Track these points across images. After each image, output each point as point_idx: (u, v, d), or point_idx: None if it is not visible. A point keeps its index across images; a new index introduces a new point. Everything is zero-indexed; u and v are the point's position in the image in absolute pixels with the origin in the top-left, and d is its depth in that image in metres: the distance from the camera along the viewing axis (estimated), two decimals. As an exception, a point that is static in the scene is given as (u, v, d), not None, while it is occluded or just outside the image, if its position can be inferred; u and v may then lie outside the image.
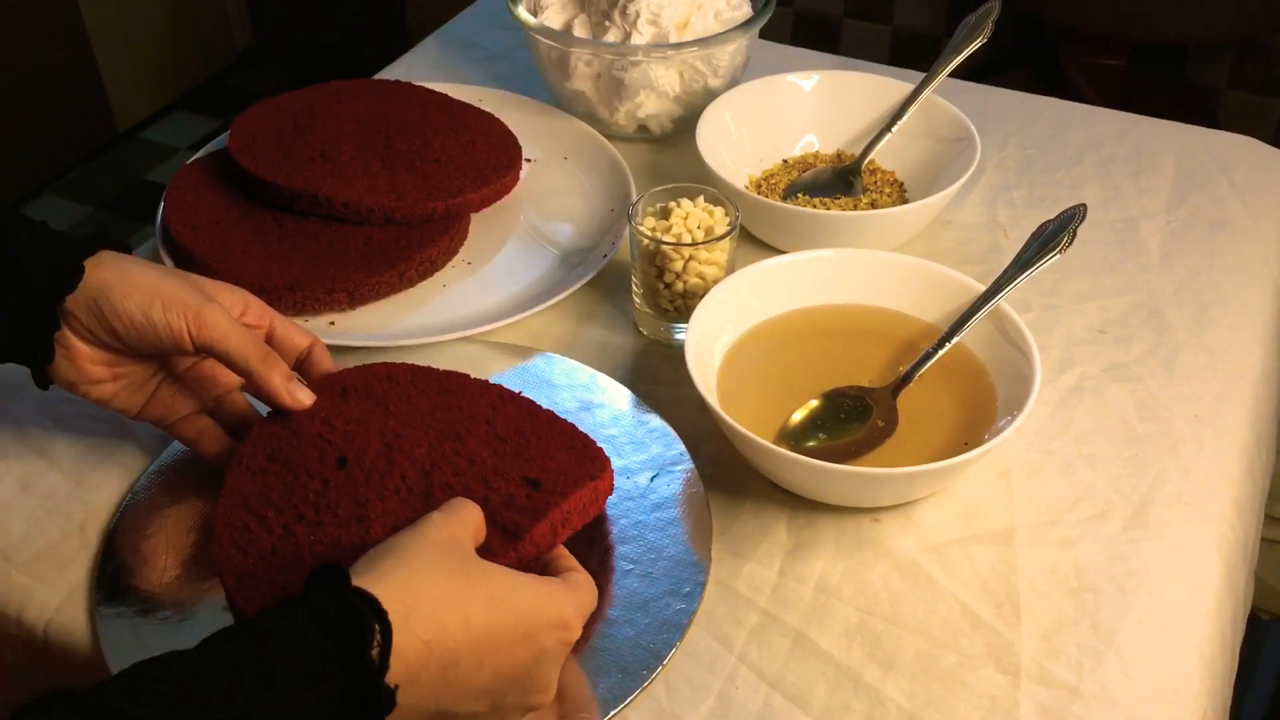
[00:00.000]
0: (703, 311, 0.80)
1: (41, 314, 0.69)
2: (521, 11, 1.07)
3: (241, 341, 0.71)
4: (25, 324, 0.69)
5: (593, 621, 0.69)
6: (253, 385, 0.72)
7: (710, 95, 1.05)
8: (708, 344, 0.80)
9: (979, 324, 0.80)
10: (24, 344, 0.70)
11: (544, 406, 0.79)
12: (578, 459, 0.73)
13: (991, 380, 0.79)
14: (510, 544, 0.67)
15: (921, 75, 1.04)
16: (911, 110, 1.01)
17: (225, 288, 0.74)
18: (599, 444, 0.78)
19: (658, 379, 0.86)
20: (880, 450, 0.76)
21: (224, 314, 0.71)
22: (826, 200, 0.99)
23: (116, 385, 0.73)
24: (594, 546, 0.73)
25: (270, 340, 0.75)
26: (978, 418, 0.77)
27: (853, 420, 0.78)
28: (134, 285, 0.69)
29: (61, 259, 0.69)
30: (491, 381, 0.80)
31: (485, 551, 0.66)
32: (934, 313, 0.84)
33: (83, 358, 0.71)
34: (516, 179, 1.03)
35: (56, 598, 0.73)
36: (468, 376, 0.81)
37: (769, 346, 0.84)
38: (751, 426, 0.72)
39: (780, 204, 0.96)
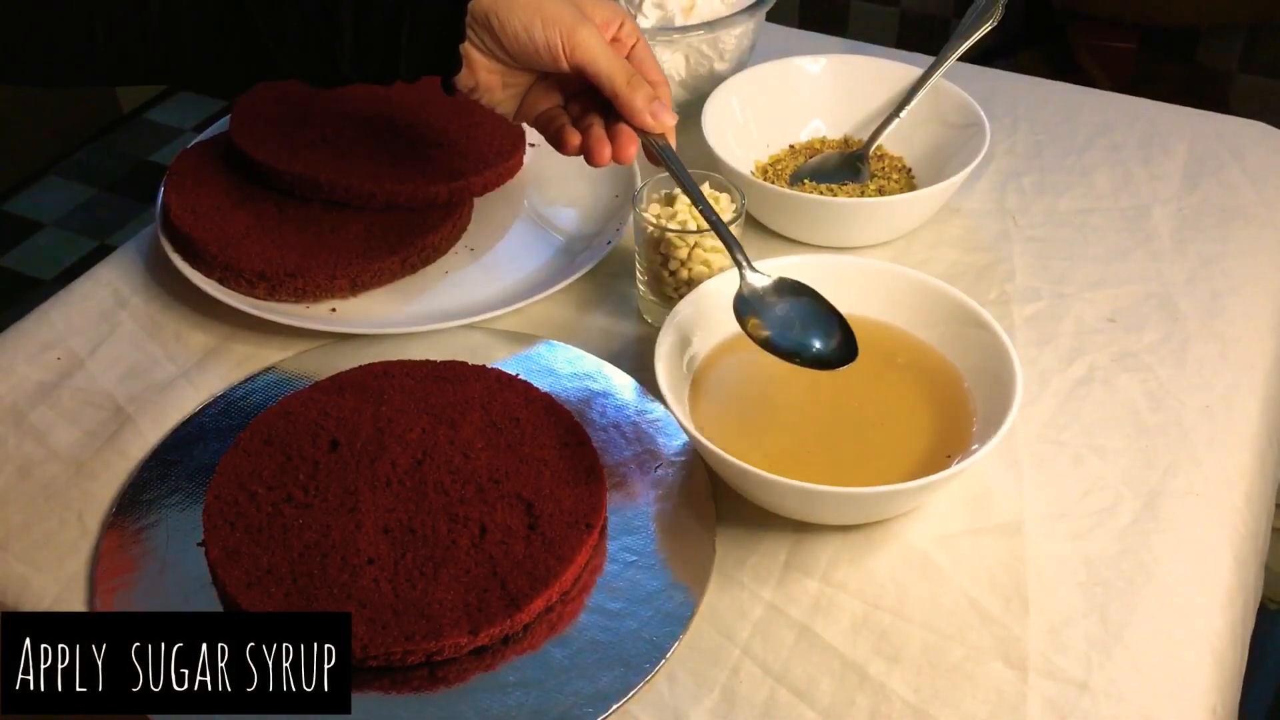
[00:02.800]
0: (672, 325, 0.78)
1: (449, 28, 0.74)
2: (525, -6, 1.06)
3: (610, 64, 0.75)
4: (436, 37, 0.75)
5: (595, 614, 0.69)
6: (617, 104, 0.76)
7: (716, 79, 1.03)
8: (678, 357, 0.78)
9: (957, 327, 0.79)
10: (436, 55, 0.75)
11: (541, 390, 0.79)
12: (571, 469, 0.74)
13: (967, 386, 0.78)
14: (509, 613, 0.67)
15: (930, 59, 1.02)
16: (920, 95, 1.00)
17: (601, 5, 0.78)
18: (599, 434, 0.78)
19: (662, 367, 0.85)
20: (863, 462, 0.75)
21: (596, 35, 0.75)
22: (834, 186, 0.98)
23: (505, 93, 0.79)
24: (597, 537, 0.72)
25: (632, 56, 0.79)
26: (956, 426, 0.76)
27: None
28: (521, 2, 0.74)
29: None
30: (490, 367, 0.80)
31: (483, 612, 0.67)
32: (910, 319, 0.82)
33: (480, 68, 0.77)
34: (520, 164, 1.02)
35: (55, 587, 0.72)
36: (465, 364, 0.82)
37: (743, 359, 0.81)
38: (729, 445, 0.70)
39: (786, 190, 0.95)
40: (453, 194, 0.95)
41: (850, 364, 0.74)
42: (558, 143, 0.79)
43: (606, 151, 0.77)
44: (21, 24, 0.73)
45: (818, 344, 0.75)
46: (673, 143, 0.79)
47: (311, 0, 0.74)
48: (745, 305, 0.76)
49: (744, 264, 0.77)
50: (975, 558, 0.72)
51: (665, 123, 0.77)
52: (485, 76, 0.77)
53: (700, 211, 0.78)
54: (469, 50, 0.75)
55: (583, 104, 0.80)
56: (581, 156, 0.79)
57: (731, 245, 0.78)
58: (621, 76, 0.75)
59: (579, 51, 0.74)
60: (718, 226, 0.77)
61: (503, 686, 0.65)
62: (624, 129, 0.77)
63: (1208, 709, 0.66)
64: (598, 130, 0.78)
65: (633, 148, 0.78)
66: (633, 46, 0.79)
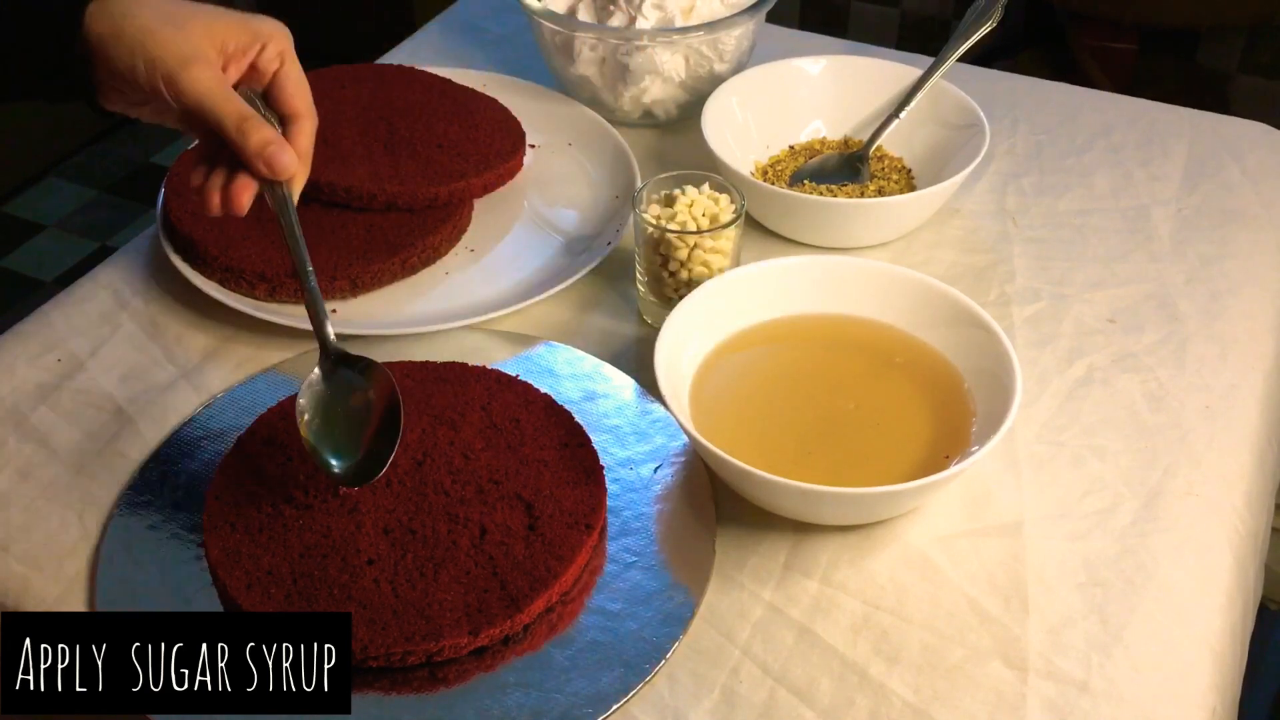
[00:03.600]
0: (671, 325, 0.78)
1: (65, 71, 0.69)
2: (526, -5, 1.06)
3: (219, 107, 0.68)
4: (62, 76, 0.69)
5: (595, 615, 0.69)
6: (233, 150, 0.69)
7: (716, 80, 1.04)
8: (677, 358, 0.78)
9: (957, 328, 0.79)
10: (68, 92, 0.70)
11: (541, 390, 0.79)
12: (571, 469, 0.74)
13: (967, 386, 0.78)
14: (509, 614, 0.67)
15: (930, 60, 1.02)
16: (920, 96, 1.00)
17: (236, 26, 0.71)
18: (601, 433, 0.78)
19: (662, 368, 0.85)
20: (863, 463, 0.75)
21: (204, 77, 0.68)
22: (833, 187, 0.98)
23: (148, 109, 0.72)
24: (597, 538, 0.72)
25: (270, 88, 0.72)
26: (956, 427, 0.76)
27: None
28: (127, 37, 0.67)
29: (59, 11, 0.68)
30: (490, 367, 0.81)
31: (483, 613, 0.67)
32: (910, 320, 0.82)
33: (118, 101, 0.71)
34: (520, 165, 1.02)
35: (56, 588, 0.72)
36: (465, 365, 0.82)
37: (742, 359, 0.81)
38: (729, 445, 0.70)
39: (786, 191, 0.95)
40: (453, 195, 0.95)
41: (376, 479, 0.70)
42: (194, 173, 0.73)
43: (215, 202, 0.70)
44: None
45: (335, 463, 0.71)
46: (295, 191, 0.72)
47: None
48: (308, 391, 0.72)
49: (329, 340, 0.72)
50: (975, 558, 0.72)
51: (278, 167, 0.69)
52: (122, 104, 0.71)
53: (302, 282, 0.72)
54: (106, 79, 0.69)
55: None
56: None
57: (320, 318, 0.72)
58: (231, 121, 0.68)
59: (184, 97, 0.68)
60: (311, 294, 0.72)
61: (503, 687, 0.66)
62: (241, 175, 0.70)
63: (1207, 709, 0.66)
64: (216, 177, 0.71)
65: (242, 196, 0.70)
66: (276, 71, 0.72)
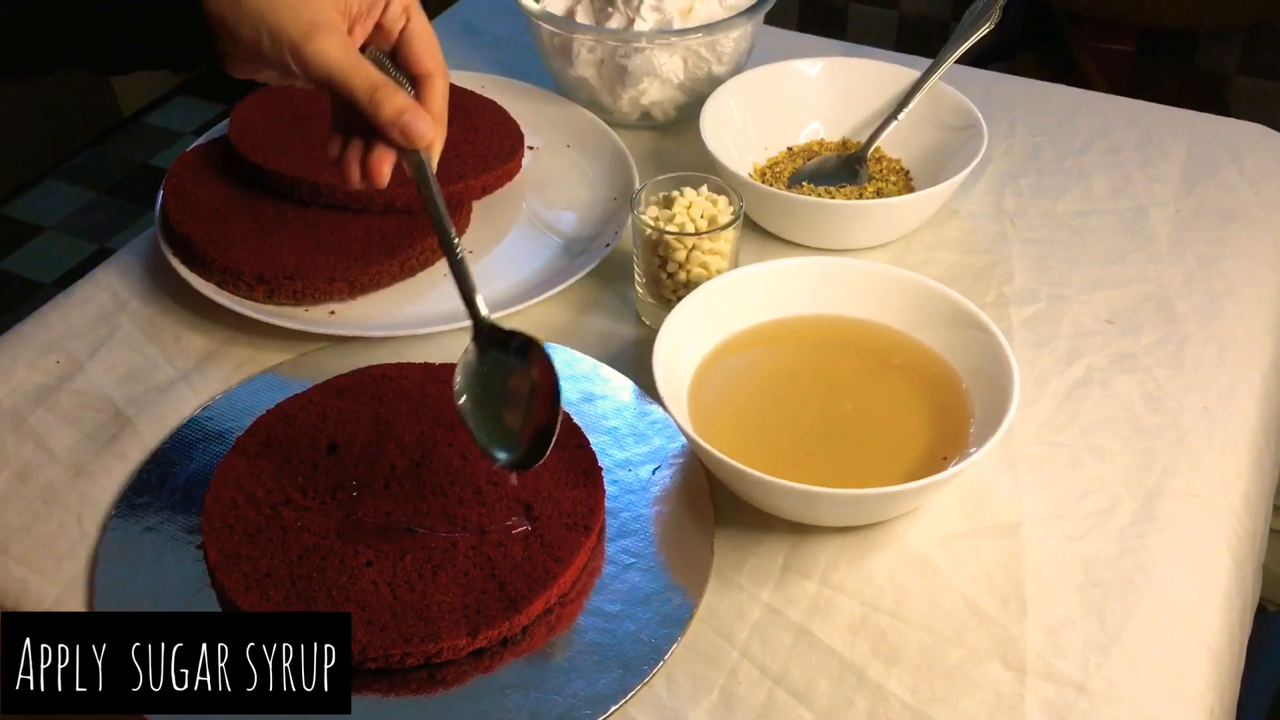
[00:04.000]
0: (669, 327, 0.78)
1: (193, 38, 0.66)
2: (524, -3, 1.06)
3: (350, 77, 0.65)
4: (189, 47, 0.67)
5: (594, 616, 0.69)
6: (368, 119, 0.67)
7: (714, 82, 1.04)
8: (675, 359, 0.78)
9: (955, 329, 0.79)
10: (196, 61, 0.68)
11: None
12: (570, 471, 0.74)
13: (965, 387, 0.78)
14: (508, 615, 0.67)
15: (928, 61, 1.03)
16: (918, 97, 1.00)
17: None
18: (599, 434, 0.78)
19: (661, 369, 0.85)
20: (862, 464, 0.75)
21: (331, 46, 0.65)
22: (831, 189, 0.98)
23: (285, 76, 0.69)
24: (595, 539, 0.72)
25: (398, 48, 0.70)
26: (954, 428, 0.76)
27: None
28: (246, 10, 0.65)
29: None
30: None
31: (482, 614, 0.67)
32: (908, 321, 0.82)
33: (241, 69, 0.69)
34: (518, 167, 1.02)
35: (54, 590, 0.72)
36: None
37: (741, 361, 0.81)
38: (727, 447, 0.70)
39: (785, 193, 0.95)
40: (451, 197, 0.95)
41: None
42: (327, 145, 0.71)
43: (355, 174, 0.69)
44: None
45: (502, 454, 0.68)
46: (434, 157, 0.69)
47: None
48: (465, 373, 0.69)
49: (483, 313, 0.69)
50: (973, 559, 0.72)
51: (416, 135, 0.67)
52: (257, 73, 0.69)
53: (447, 255, 0.69)
54: (229, 49, 0.68)
55: None
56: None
57: (470, 291, 0.69)
58: (363, 91, 0.66)
59: (312, 69, 0.65)
60: (459, 267, 0.69)
61: (501, 688, 0.66)
62: (379, 145, 0.68)
63: (1205, 710, 0.66)
64: (354, 148, 0.69)
65: (383, 169, 0.68)
66: (403, 28, 0.70)
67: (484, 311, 0.69)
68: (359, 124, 0.68)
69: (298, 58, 0.65)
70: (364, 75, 0.66)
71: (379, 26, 0.69)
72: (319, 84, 0.66)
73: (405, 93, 0.67)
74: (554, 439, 0.66)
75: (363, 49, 0.69)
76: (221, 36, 0.67)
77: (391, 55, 0.71)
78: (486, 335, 0.69)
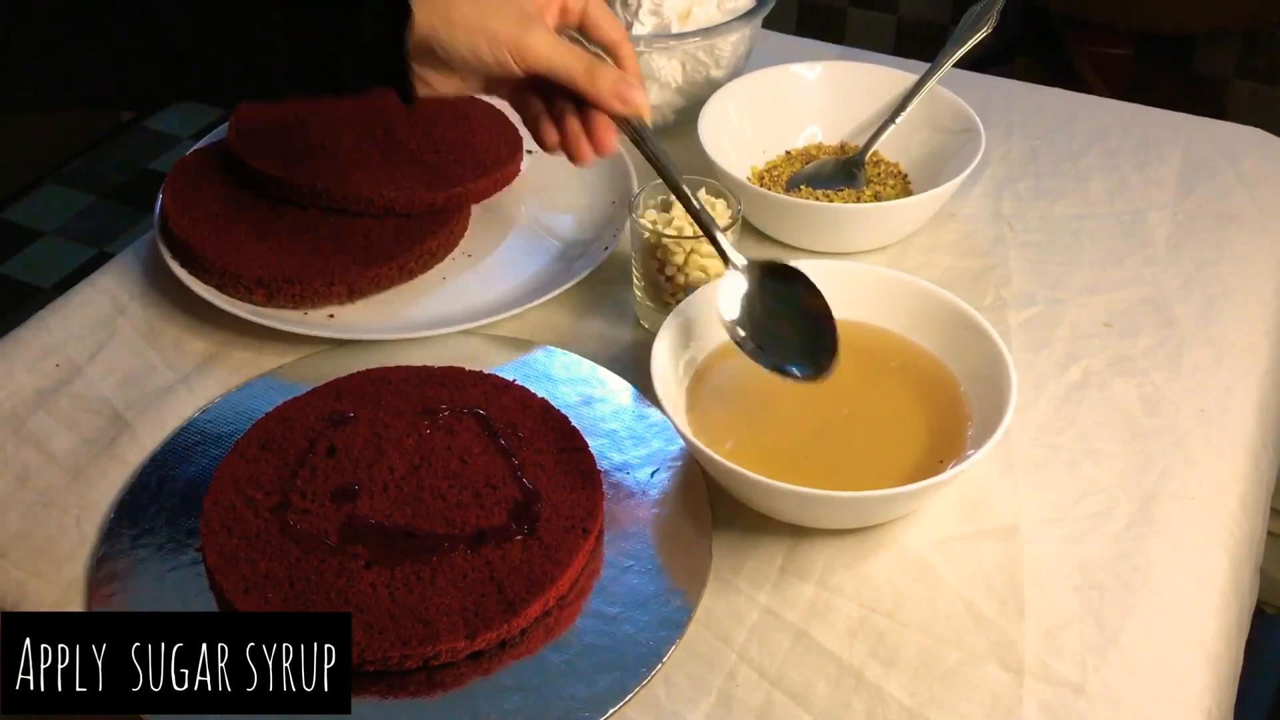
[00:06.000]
0: (668, 330, 0.78)
1: (391, 63, 0.71)
2: (523, 1, 1.06)
3: (565, 62, 0.72)
4: (382, 71, 0.71)
5: (592, 619, 0.69)
6: (585, 98, 0.73)
7: (713, 86, 1.04)
8: (674, 362, 0.78)
9: (953, 332, 0.79)
10: (384, 81, 0.72)
11: (538, 395, 0.79)
12: (568, 474, 0.74)
13: (963, 390, 0.78)
14: (506, 618, 0.67)
15: (927, 65, 1.03)
16: (916, 101, 1.01)
17: None
18: (598, 437, 0.78)
19: (659, 372, 0.85)
20: (859, 467, 0.75)
21: (544, 36, 0.71)
22: (830, 193, 0.98)
23: (467, 86, 0.74)
24: (594, 542, 0.72)
25: (583, 24, 0.76)
26: (952, 431, 0.76)
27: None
28: (459, 25, 0.70)
29: (385, 2, 0.70)
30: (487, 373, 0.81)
31: (480, 617, 0.67)
32: (906, 324, 0.82)
33: (436, 83, 0.73)
34: (517, 170, 1.02)
35: (53, 593, 0.72)
36: (462, 369, 0.82)
37: (739, 364, 0.80)
38: (725, 449, 0.71)
39: (783, 196, 0.95)
40: (450, 200, 0.95)
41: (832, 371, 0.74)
42: (536, 136, 0.76)
43: (586, 149, 0.75)
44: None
45: (800, 368, 0.75)
46: (648, 120, 0.76)
47: (237, 28, 0.70)
48: (731, 312, 0.76)
49: (729, 252, 0.77)
50: (971, 561, 0.73)
51: (635, 102, 0.73)
52: (444, 88, 0.74)
53: (682, 201, 0.77)
54: (421, 73, 0.72)
55: (551, 85, 0.75)
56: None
57: (712, 229, 0.77)
58: (580, 71, 0.72)
59: (531, 60, 0.71)
60: (698, 215, 0.77)
61: (500, 691, 0.66)
62: (599, 118, 0.74)
63: (1203, 712, 0.66)
64: (573, 125, 0.74)
65: (611, 137, 0.75)
66: (583, 10, 0.75)
67: (730, 250, 0.77)
68: (542, 109, 0.75)
69: (519, 53, 0.71)
70: (578, 57, 0.72)
71: (564, 9, 0.75)
72: (533, 75, 0.72)
73: (613, 66, 0.74)
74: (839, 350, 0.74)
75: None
76: (428, 58, 0.71)
77: (579, 31, 0.77)
78: (752, 268, 0.77)
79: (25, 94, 0.72)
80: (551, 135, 0.75)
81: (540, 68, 0.71)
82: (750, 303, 0.77)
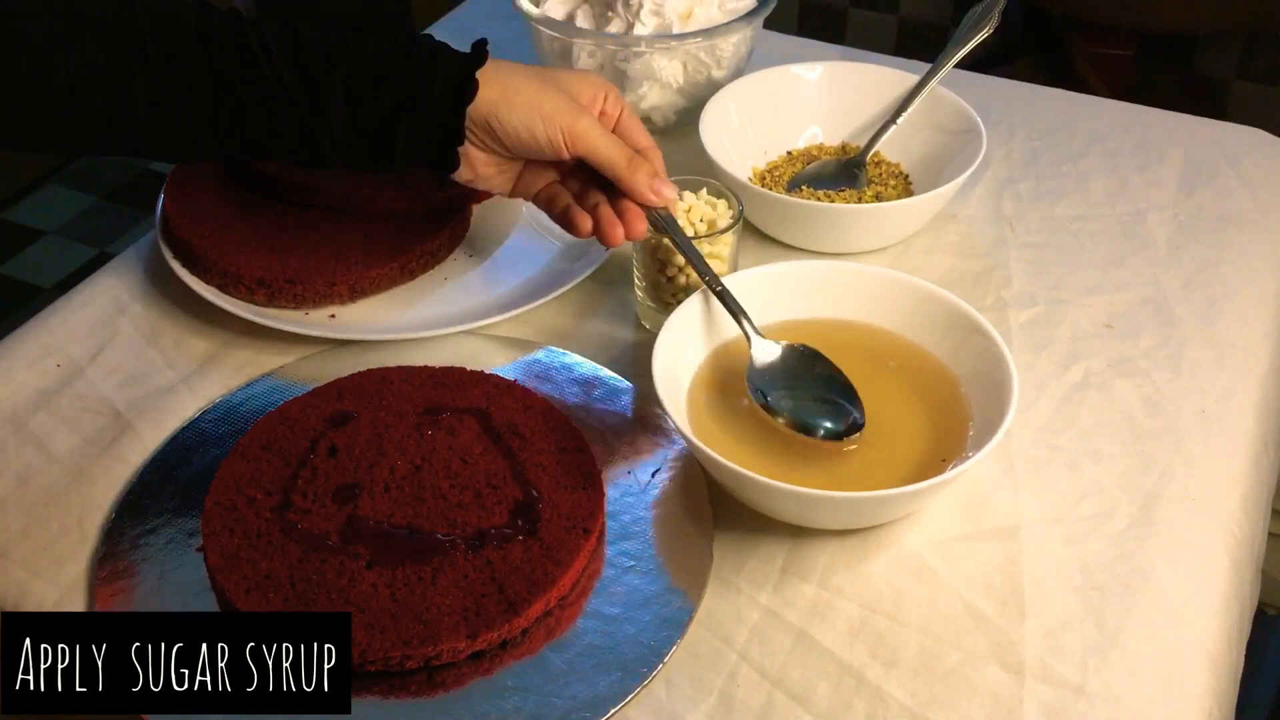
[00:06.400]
0: (669, 330, 0.78)
1: (448, 133, 0.76)
2: (524, 2, 1.06)
3: (610, 151, 0.77)
4: (434, 141, 0.76)
5: (593, 619, 0.69)
6: (621, 186, 0.78)
7: (714, 87, 1.04)
8: (675, 363, 0.78)
9: (954, 333, 0.79)
10: (434, 156, 0.77)
11: (539, 395, 0.79)
12: (569, 474, 0.74)
13: (964, 391, 0.78)
14: (507, 618, 0.67)
15: (928, 66, 1.03)
16: (917, 102, 1.01)
17: (586, 82, 0.80)
18: (597, 439, 0.78)
19: (660, 373, 0.85)
20: (860, 467, 0.75)
21: (594, 124, 0.77)
22: (831, 193, 0.98)
23: (502, 178, 0.81)
24: (595, 542, 0.72)
25: (616, 129, 0.81)
26: (953, 431, 0.76)
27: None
28: (518, 103, 0.76)
29: (457, 70, 0.76)
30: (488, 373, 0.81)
31: (481, 617, 0.67)
32: (906, 325, 0.82)
33: (478, 162, 0.79)
34: (519, 171, 1.02)
35: (55, 592, 0.72)
36: (464, 370, 0.82)
37: (740, 365, 0.81)
38: (726, 450, 0.70)
39: (784, 197, 0.95)
40: (452, 200, 0.95)
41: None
42: (568, 225, 0.81)
43: (619, 233, 0.79)
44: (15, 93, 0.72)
45: (828, 424, 0.76)
46: (675, 212, 0.82)
47: (303, 97, 0.74)
48: (757, 380, 0.78)
49: (750, 331, 0.79)
50: (971, 562, 0.73)
51: (667, 196, 0.79)
52: (483, 169, 0.79)
53: (703, 278, 0.80)
54: (468, 148, 0.77)
55: (580, 178, 0.81)
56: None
57: (738, 313, 0.79)
58: (623, 161, 0.77)
59: (580, 144, 0.77)
60: (723, 296, 0.79)
61: (501, 691, 0.66)
62: (631, 207, 0.79)
63: (1203, 713, 0.66)
64: (606, 212, 0.79)
65: (642, 224, 0.79)
66: (619, 117, 0.81)
67: (752, 329, 0.79)
68: (566, 195, 0.81)
69: (571, 136, 0.76)
70: (622, 148, 0.78)
71: (602, 114, 0.80)
72: (579, 158, 0.78)
73: (650, 163, 0.79)
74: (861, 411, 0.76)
75: None
76: (482, 134, 0.77)
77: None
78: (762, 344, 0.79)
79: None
80: (586, 222, 0.79)
81: (588, 151, 0.77)
82: (773, 374, 0.78)
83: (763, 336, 0.79)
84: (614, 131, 0.80)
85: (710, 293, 0.80)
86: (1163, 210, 1.00)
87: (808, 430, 0.75)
